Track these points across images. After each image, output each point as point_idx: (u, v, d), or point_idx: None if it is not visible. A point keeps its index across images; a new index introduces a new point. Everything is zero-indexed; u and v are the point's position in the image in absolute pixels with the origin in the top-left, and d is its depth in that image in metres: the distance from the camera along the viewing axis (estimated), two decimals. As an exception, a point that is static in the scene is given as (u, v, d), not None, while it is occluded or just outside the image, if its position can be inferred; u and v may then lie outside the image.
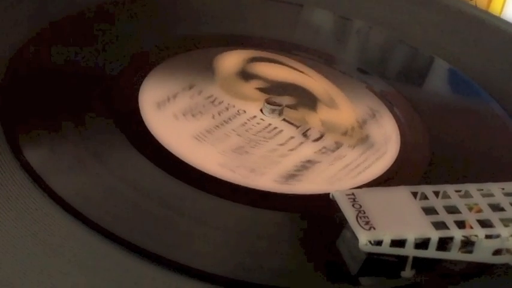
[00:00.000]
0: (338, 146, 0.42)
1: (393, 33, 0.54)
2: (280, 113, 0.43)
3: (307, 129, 0.43)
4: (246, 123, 0.43)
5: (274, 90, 0.45)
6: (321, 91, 0.46)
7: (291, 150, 0.41)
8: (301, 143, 0.42)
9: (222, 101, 0.44)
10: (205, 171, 0.38)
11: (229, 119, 0.43)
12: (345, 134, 0.42)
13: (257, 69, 0.47)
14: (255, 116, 0.43)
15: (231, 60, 0.47)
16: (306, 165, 0.40)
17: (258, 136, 0.42)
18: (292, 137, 0.42)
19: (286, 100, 0.44)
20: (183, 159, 0.39)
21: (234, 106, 0.44)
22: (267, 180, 0.39)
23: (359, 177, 0.40)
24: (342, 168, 0.41)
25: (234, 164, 0.40)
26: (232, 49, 0.48)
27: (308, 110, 0.44)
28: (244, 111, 0.44)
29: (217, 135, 0.41)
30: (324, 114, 0.44)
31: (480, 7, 0.63)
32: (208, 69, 0.46)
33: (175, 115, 0.42)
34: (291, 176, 0.40)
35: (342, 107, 0.44)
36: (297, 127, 0.43)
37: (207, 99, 0.44)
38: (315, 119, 0.43)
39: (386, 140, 0.42)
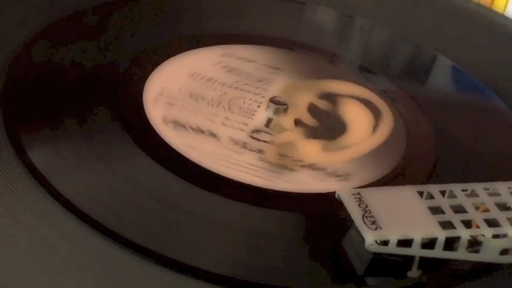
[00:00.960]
0: (257, 152, 0.41)
1: (396, 31, 0.54)
2: (276, 113, 0.44)
3: (266, 133, 0.42)
4: (243, 97, 0.45)
5: (318, 113, 0.45)
6: (354, 137, 0.43)
7: (223, 124, 0.42)
8: (240, 129, 0.42)
9: (268, 85, 0.46)
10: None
11: (242, 89, 0.45)
12: (282, 155, 0.41)
13: (343, 102, 0.46)
14: (259, 102, 0.44)
15: (337, 85, 0.47)
16: (205, 132, 0.41)
17: (229, 105, 0.44)
18: (245, 124, 0.43)
19: (309, 121, 0.44)
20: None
21: (267, 91, 0.45)
22: (158, 114, 0.42)
23: (226, 169, 0.39)
24: (221, 154, 0.40)
25: (170, 95, 0.43)
26: (356, 82, 0.48)
27: (302, 134, 0.43)
28: (262, 97, 0.45)
29: (207, 85, 0.45)
30: (307, 145, 0.42)
31: (484, 4, 0.62)
32: (311, 75, 0.48)
33: (217, 63, 0.47)
34: (178, 125, 0.41)
35: (339, 155, 0.42)
36: (266, 127, 0.43)
37: (260, 76, 0.46)
38: (288, 138, 0.42)
39: (300, 186, 0.39)
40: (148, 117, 0.41)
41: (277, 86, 0.46)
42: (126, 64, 0.44)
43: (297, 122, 0.43)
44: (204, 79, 0.45)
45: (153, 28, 0.49)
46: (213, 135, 0.41)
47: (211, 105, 0.43)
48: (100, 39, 0.46)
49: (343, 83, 0.48)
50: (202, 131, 0.41)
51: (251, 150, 0.41)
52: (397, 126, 0.44)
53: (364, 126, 0.44)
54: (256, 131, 0.42)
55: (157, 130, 0.41)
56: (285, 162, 0.40)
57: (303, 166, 0.40)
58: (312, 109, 0.45)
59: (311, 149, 0.42)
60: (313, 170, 0.40)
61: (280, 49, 0.50)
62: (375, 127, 0.44)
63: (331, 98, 0.46)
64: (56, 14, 0.47)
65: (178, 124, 0.41)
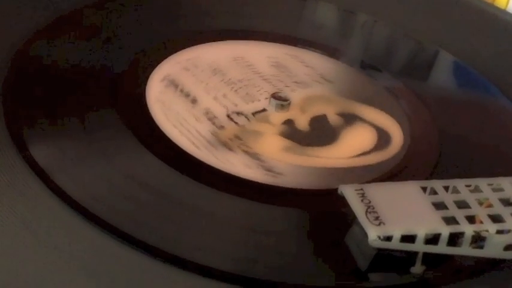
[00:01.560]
0: (217, 127, 0.41)
1: (398, 27, 0.54)
2: (276, 108, 0.43)
3: (246, 118, 0.42)
4: (261, 87, 0.45)
5: (320, 124, 0.43)
6: (331, 153, 0.41)
7: (214, 98, 0.43)
8: (225, 106, 0.43)
9: (300, 89, 0.46)
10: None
11: (270, 82, 0.46)
12: (237, 137, 0.41)
13: (358, 125, 0.44)
14: (267, 94, 0.44)
15: (366, 110, 0.45)
16: (189, 96, 0.43)
17: (239, 87, 0.44)
18: (235, 105, 0.43)
19: (301, 125, 0.43)
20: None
21: (293, 91, 0.45)
22: (165, 71, 0.44)
23: (170, 127, 0.40)
24: (180, 116, 0.41)
25: (194, 63, 0.45)
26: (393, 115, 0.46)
27: (278, 131, 0.42)
28: (272, 86, 0.45)
29: (240, 69, 0.46)
30: (272, 140, 0.41)
31: (486, 0, 0.62)
32: (352, 95, 0.46)
33: (272, 57, 0.48)
34: (171, 84, 0.43)
35: (292, 158, 0.40)
36: (252, 115, 0.43)
37: (302, 79, 0.46)
38: (261, 129, 0.42)
39: (223, 164, 0.38)
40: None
41: (307, 92, 0.46)
42: (129, 60, 0.44)
43: (287, 122, 0.43)
44: (243, 64, 0.46)
45: (157, 25, 0.49)
46: (193, 101, 0.42)
47: (223, 82, 0.44)
48: (101, 37, 0.46)
49: (375, 110, 0.45)
50: (187, 95, 0.42)
51: (213, 123, 0.41)
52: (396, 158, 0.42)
53: (353, 149, 0.42)
54: (238, 113, 0.42)
55: (148, 84, 0.42)
56: (232, 143, 0.40)
57: (245, 151, 0.40)
58: (317, 119, 0.44)
59: (271, 144, 0.41)
60: (251, 157, 0.40)
61: (345, 65, 0.49)
62: (364, 154, 0.42)
63: (350, 118, 0.44)
64: (57, 12, 0.47)
65: (172, 83, 0.43)
